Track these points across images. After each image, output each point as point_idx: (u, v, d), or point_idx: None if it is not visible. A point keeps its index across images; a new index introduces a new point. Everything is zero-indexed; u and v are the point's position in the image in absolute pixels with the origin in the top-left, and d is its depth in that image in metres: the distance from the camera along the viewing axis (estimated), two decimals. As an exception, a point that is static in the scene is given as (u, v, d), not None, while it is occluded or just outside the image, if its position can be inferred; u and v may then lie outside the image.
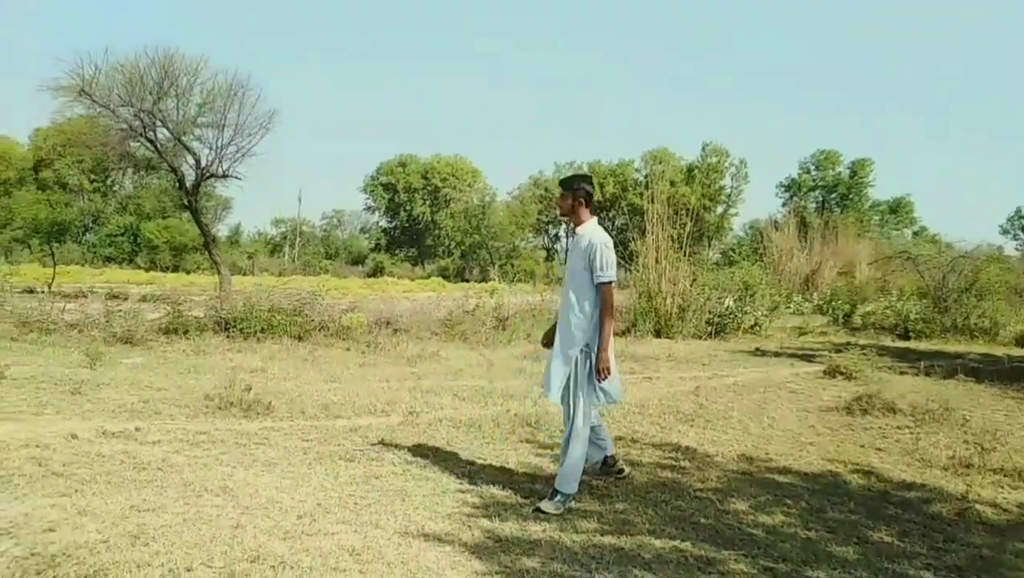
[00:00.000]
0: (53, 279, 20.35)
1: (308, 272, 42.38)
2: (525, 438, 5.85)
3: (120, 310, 11.84)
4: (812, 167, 61.73)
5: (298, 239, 62.93)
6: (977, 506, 4.60)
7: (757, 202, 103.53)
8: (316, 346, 11.31)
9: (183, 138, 17.94)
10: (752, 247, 34.64)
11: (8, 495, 3.82)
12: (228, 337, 11.47)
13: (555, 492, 4.10)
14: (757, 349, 13.47)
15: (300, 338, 11.79)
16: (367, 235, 71.18)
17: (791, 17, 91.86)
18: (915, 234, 54.63)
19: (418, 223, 63.77)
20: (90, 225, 53.07)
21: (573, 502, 4.13)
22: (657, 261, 15.88)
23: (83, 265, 39.72)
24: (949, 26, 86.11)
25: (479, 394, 7.73)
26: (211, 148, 18.18)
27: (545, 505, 4.02)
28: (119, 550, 3.12)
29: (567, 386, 4.22)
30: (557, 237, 68.18)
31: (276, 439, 5.45)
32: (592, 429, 4.37)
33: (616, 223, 56.35)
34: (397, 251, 62.10)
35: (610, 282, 4.12)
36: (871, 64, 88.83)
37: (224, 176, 18.71)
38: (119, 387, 7.01)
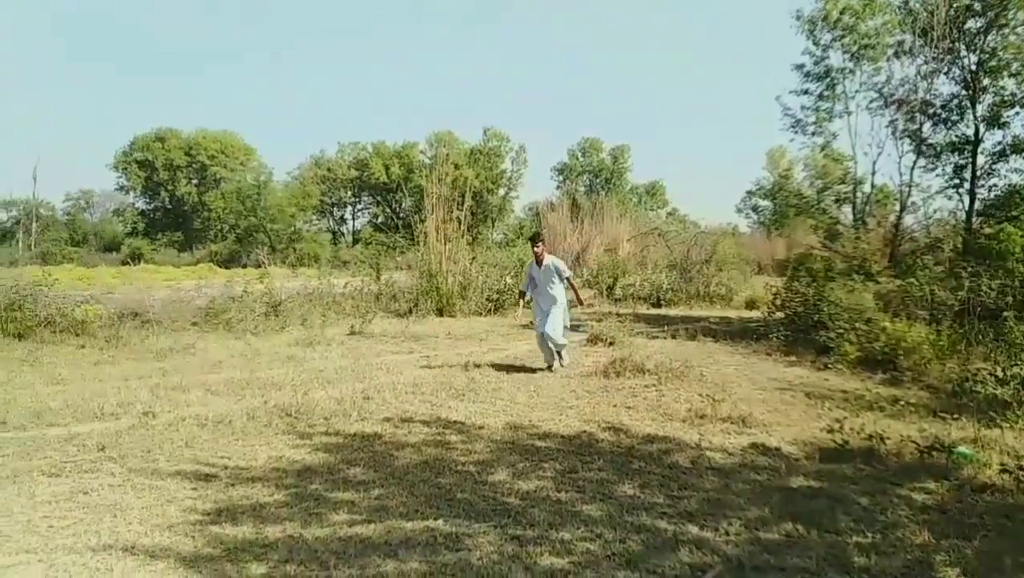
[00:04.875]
0: None
1: (49, 261, 36.33)
2: (282, 430, 5.39)
3: None
4: (580, 153, 66.26)
5: (34, 224, 53.86)
6: (708, 453, 5.08)
7: (536, 185, 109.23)
8: (40, 345, 9.61)
9: None
10: (531, 227, 36.31)
11: None
12: (-81, 341, 9.37)
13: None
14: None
15: (20, 336, 9.99)
16: (121, 218, 63.02)
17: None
18: (668, 214, 61.15)
19: (183, 204, 57.67)
20: None
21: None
22: (439, 241, 15.87)
23: None
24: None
25: (236, 387, 7.03)
26: None
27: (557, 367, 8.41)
28: None
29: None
30: (343, 220, 65.96)
31: (-43, 459, 4.44)
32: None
33: (403, 205, 55.91)
34: (159, 236, 55.69)
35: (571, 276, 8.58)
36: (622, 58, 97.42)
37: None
38: None
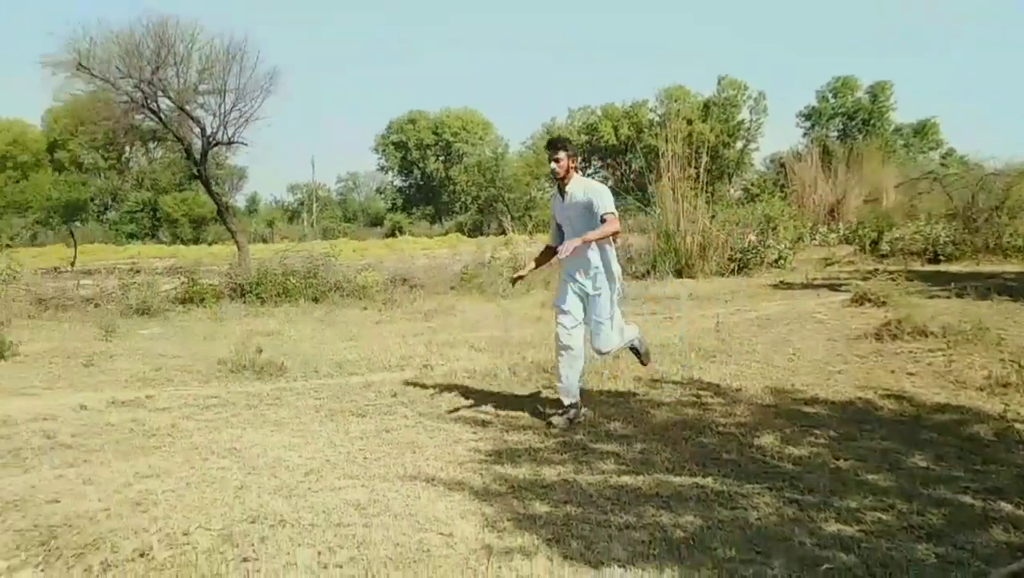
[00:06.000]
0: (75, 258, 20.55)
1: (328, 236, 42.28)
2: (542, 385, 5.71)
3: (135, 283, 11.85)
4: (830, 95, 59.44)
5: (315, 204, 62.88)
6: (1017, 425, 4.37)
7: (778, 135, 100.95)
8: (333, 307, 11.26)
9: (186, 107, 17.73)
10: (775, 181, 33.68)
11: (16, 468, 3.77)
12: (244, 303, 11.49)
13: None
14: (781, 282, 13.15)
15: (316, 300, 11.76)
16: (383, 195, 70.92)
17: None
18: (943, 156, 52.75)
19: (432, 180, 63.16)
20: (109, 203, 53.26)
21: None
22: (675, 201, 15.46)
23: (105, 243, 40.00)
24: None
25: (495, 344, 7.59)
26: (215, 115, 17.92)
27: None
28: (119, 517, 3.05)
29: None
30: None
31: (288, 399, 5.39)
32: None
33: (632, 166, 55.28)
34: (414, 210, 61.69)
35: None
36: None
37: (230, 143, 18.55)
38: (132, 357, 6.99)
